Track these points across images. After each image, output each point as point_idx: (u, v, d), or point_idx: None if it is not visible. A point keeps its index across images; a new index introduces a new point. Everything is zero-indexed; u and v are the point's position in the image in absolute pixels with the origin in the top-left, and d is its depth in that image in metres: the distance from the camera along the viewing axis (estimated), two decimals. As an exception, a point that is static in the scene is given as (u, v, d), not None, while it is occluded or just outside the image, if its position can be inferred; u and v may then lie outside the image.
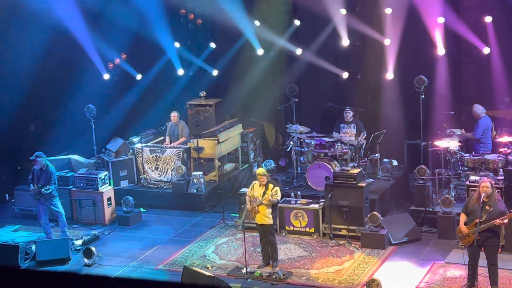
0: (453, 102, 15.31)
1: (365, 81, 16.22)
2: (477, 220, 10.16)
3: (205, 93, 17.07)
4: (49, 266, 12.38)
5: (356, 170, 13.31)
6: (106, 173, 14.78)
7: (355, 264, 12.01)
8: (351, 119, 15.25)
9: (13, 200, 15.22)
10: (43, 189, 13.08)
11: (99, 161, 15.66)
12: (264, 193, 11.56)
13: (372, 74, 16.02)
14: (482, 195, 10.20)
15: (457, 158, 13.75)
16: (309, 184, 14.39)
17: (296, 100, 15.80)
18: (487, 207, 10.20)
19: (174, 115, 16.09)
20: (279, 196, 11.71)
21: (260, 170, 11.88)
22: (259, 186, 11.69)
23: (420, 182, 13.51)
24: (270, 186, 11.63)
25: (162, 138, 16.36)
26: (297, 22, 16.71)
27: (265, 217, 11.65)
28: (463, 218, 10.46)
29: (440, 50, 14.99)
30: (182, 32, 17.61)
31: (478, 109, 14.26)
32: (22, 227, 14.50)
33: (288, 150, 15.61)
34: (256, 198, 11.62)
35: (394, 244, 12.64)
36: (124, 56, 17.13)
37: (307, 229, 13.22)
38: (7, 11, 15.78)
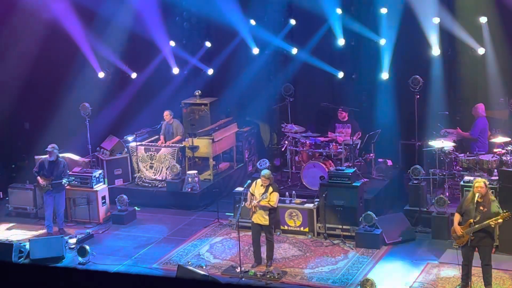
0: (448, 102, 15.33)
1: (360, 81, 16.22)
2: (471, 220, 10.17)
3: (200, 92, 17.03)
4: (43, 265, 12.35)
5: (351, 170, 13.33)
6: (100, 171, 14.75)
7: (349, 263, 12.01)
8: (346, 119, 15.26)
9: (7, 198, 15.17)
10: (64, 180, 13.16)
11: (93, 159, 15.63)
12: (264, 194, 11.56)
13: (367, 74, 16.01)
14: (476, 196, 10.21)
15: (452, 158, 13.77)
16: (304, 183, 14.39)
17: (291, 100, 15.80)
18: (481, 208, 10.20)
19: (166, 113, 16.07)
20: (273, 203, 11.58)
21: (265, 172, 11.79)
22: (261, 186, 11.68)
23: (414, 182, 13.51)
24: (270, 189, 11.61)
25: (157, 136, 16.32)
26: (292, 22, 16.70)
27: (261, 217, 11.64)
28: (457, 218, 10.46)
29: (435, 50, 15.01)
30: (177, 31, 17.58)
31: (481, 108, 14.25)
32: (15, 225, 14.47)
33: (283, 149, 15.61)
34: (254, 197, 11.62)
35: (388, 243, 12.65)
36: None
37: (302, 229, 13.21)
38: (1, 10, 15.73)
